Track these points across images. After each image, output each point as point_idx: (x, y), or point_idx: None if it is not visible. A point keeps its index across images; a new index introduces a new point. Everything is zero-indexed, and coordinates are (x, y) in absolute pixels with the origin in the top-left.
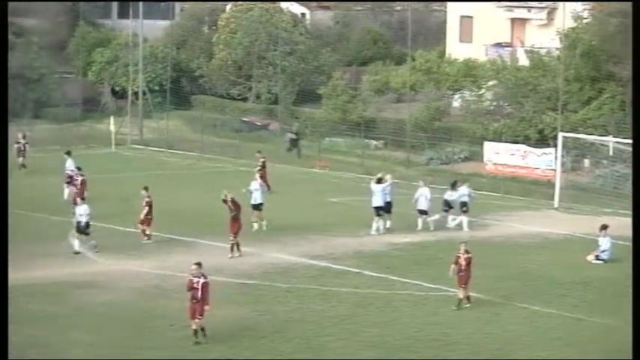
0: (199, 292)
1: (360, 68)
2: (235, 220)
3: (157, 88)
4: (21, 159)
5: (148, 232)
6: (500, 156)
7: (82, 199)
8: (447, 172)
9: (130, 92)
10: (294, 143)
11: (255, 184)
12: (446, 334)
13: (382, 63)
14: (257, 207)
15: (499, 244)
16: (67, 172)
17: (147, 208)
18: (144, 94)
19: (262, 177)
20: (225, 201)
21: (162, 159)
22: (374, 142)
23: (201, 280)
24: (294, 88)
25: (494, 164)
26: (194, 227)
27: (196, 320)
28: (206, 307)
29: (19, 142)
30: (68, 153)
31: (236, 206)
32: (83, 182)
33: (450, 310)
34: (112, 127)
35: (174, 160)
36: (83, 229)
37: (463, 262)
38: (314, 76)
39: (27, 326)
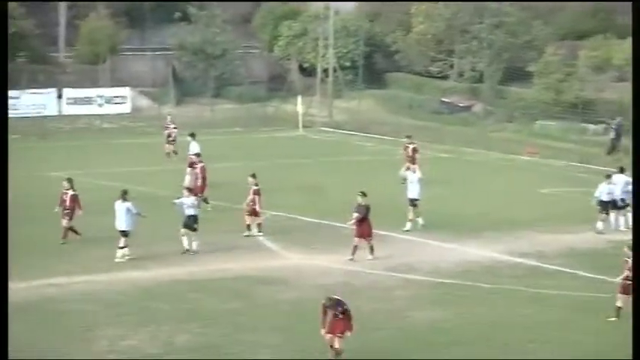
0: (342, 324)
1: (576, 42)
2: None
3: (348, 64)
4: (170, 146)
5: (255, 223)
6: None
7: (190, 189)
8: None
9: (319, 69)
10: (615, 142)
11: (413, 175)
12: None
13: (603, 36)
14: (413, 202)
15: None
16: (190, 156)
17: (255, 197)
18: (334, 71)
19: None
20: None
21: (354, 143)
22: (592, 127)
23: (339, 309)
24: (500, 65)
25: None
26: (389, 220)
27: (336, 338)
28: (347, 333)
29: (167, 127)
30: (192, 135)
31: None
32: (203, 170)
33: None
34: (300, 108)
35: (368, 145)
36: (190, 224)
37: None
38: (523, 51)
39: (199, 325)
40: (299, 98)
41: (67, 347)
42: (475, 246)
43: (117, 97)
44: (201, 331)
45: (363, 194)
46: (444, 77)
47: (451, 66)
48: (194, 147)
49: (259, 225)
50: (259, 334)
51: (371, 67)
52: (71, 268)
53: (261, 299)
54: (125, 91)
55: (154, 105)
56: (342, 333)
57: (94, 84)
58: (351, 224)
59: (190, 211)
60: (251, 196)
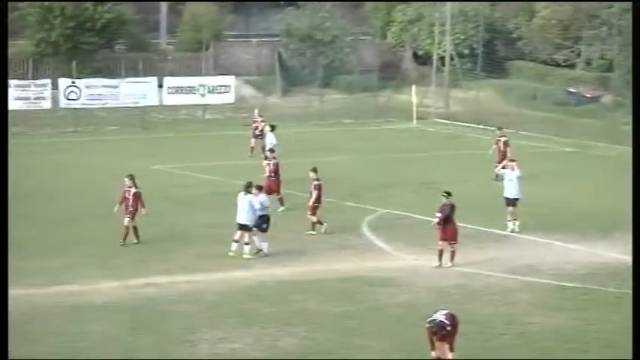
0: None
1: None
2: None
3: (466, 52)
4: (257, 140)
5: (316, 221)
6: None
7: (260, 187)
8: None
9: (434, 57)
10: None
11: (511, 173)
12: None
13: None
14: (511, 202)
15: None
16: (267, 149)
17: (316, 192)
18: (451, 59)
19: (502, 160)
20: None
21: (471, 136)
22: None
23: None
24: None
25: None
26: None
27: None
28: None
29: (255, 121)
30: (272, 127)
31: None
32: (275, 167)
33: None
34: (414, 98)
35: (486, 138)
36: (259, 224)
37: None
38: None
39: (304, 328)
40: (413, 88)
41: (165, 350)
42: (602, 247)
43: (220, 86)
44: (307, 334)
45: (448, 194)
46: (571, 66)
47: (578, 54)
48: (270, 140)
49: (316, 224)
50: (368, 339)
51: (491, 55)
52: (170, 267)
53: (370, 302)
54: (229, 79)
55: (259, 95)
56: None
57: (197, 72)
58: (434, 225)
59: (260, 211)
60: (314, 193)
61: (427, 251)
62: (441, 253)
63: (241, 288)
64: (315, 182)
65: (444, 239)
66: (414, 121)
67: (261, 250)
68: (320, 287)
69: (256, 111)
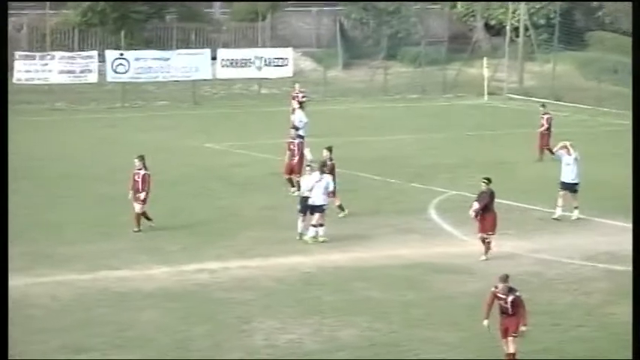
0: (509, 309)
1: None
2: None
3: (542, 22)
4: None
5: (338, 205)
6: None
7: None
8: None
9: (508, 27)
10: None
11: (567, 157)
12: None
13: None
14: (569, 187)
15: None
16: (295, 125)
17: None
18: (526, 29)
19: (543, 144)
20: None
21: None
22: None
23: (510, 298)
24: None
25: None
26: (591, 202)
27: (509, 338)
28: (522, 328)
29: (295, 97)
30: (301, 104)
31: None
32: (300, 147)
33: None
34: (485, 72)
35: (562, 115)
36: (301, 208)
37: None
38: None
39: (366, 318)
40: (484, 61)
41: (218, 341)
42: None
43: (277, 58)
44: (369, 325)
45: (488, 181)
46: None
47: None
48: (300, 118)
49: (340, 206)
50: (434, 331)
51: (569, 26)
52: (224, 252)
53: (437, 290)
54: (287, 52)
55: (319, 68)
56: (516, 331)
57: (252, 44)
58: (472, 215)
59: (306, 193)
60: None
61: (499, 236)
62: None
63: (299, 274)
64: (329, 162)
65: (482, 230)
66: (485, 97)
67: (303, 235)
68: (383, 274)
69: (297, 85)
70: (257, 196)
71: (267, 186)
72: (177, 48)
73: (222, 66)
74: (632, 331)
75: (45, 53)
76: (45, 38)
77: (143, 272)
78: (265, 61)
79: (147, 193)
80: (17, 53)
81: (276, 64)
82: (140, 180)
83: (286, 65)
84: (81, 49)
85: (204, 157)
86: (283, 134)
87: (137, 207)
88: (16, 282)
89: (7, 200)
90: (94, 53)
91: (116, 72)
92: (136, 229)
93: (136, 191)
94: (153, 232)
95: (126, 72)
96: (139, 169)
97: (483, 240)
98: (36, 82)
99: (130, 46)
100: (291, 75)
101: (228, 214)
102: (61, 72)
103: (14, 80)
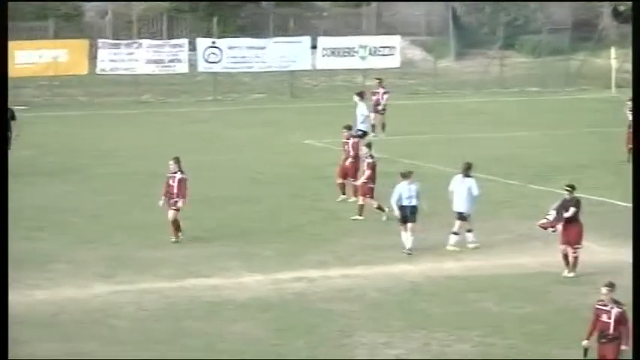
0: (611, 327)
1: None
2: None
3: None
4: (379, 116)
5: (377, 206)
6: None
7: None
8: None
9: None
10: None
11: None
12: None
13: None
14: None
15: None
16: (361, 118)
17: (369, 171)
18: None
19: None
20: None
21: None
22: None
23: (615, 311)
24: None
25: None
26: None
27: None
28: (623, 347)
29: (375, 93)
30: (360, 95)
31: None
32: (355, 147)
33: None
34: (613, 63)
35: None
36: (402, 216)
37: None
38: None
39: (480, 332)
40: (612, 50)
41: (317, 355)
42: None
43: (384, 47)
44: (482, 339)
45: (572, 188)
46: None
47: None
48: (361, 111)
49: (361, 207)
50: (556, 347)
51: None
52: (324, 259)
53: (559, 303)
54: (394, 40)
55: (429, 58)
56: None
57: (356, 31)
58: (548, 226)
59: (407, 200)
60: (366, 172)
61: (629, 243)
62: (566, 259)
63: (407, 284)
64: (369, 160)
65: (566, 242)
66: (613, 89)
67: (410, 250)
68: (499, 284)
69: (376, 81)
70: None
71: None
72: (274, 36)
73: (323, 55)
74: (632, 331)
75: (131, 41)
76: (131, 25)
77: (235, 280)
78: (370, 50)
79: (183, 200)
80: (101, 41)
81: (382, 53)
82: (176, 185)
83: (393, 55)
84: (170, 37)
85: (303, 155)
86: (389, 130)
87: (171, 214)
88: (98, 289)
89: (7, 200)
90: (184, 41)
91: (208, 62)
92: (174, 240)
93: (171, 197)
94: (248, 236)
95: (218, 62)
96: (174, 173)
97: (566, 255)
98: (121, 72)
99: (223, 34)
100: (398, 65)
101: (328, 217)
102: (148, 62)
103: (98, 71)
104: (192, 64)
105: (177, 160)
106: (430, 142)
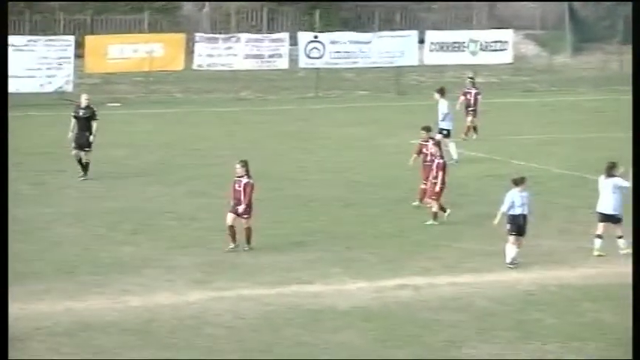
0: None
1: None
2: None
3: None
4: (470, 118)
5: (435, 209)
6: None
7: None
8: None
9: None
10: None
11: None
12: None
13: None
14: None
15: None
16: (441, 116)
17: (441, 173)
18: None
19: None
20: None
21: None
22: None
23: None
24: None
25: None
26: None
27: None
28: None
29: (467, 93)
30: (440, 92)
31: None
32: (437, 147)
33: None
34: None
35: None
36: (512, 227)
37: None
38: None
39: (597, 345)
40: None
41: None
42: None
43: (495, 42)
44: (599, 353)
45: None
46: None
47: None
48: (442, 109)
49: (435, 214)
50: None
51: None
52: (430, 266)
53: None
54: (506, 34)
55: (544, 53)
56: None
57: (467, 25)
58: None
59: (520, 208)
60: (434, 172)
61: None
62: None
63: (519, 293)
64: (439, 161)
65: None
66: None
67: (513, 264)
68: (616, 294)
69: (468, 79)
70: (470, 201)
71: (480, 190)
72: (380, 30)
73: (431, 50)
74: (633, 331)
75: (229, 35)
76: (229, 18)
77: (337, 287)
78: (481, 44)
79: (248, 205)
80: (198, 35)
81: (493, 48)
82: (242, 189)
83: (505, 50)
84: (270, 31)
85: (409, 157)
86: (501, 130)
87: (229, 218)
88: (193, 296)
89: (7, 200)
90: (285, 35)
91: (309, 57)
92: (232, 246)
93: (237, 202)
94: (351, 241)
95: (320, 57)
96: (241, 177)
97: None
98: (219, 68)
99: (326, 28)
100: (511, 61)
101: (440, 222)
102: (247, 56)
103: (194, 66)
104: (293, 60)
105: (244, 164)
106: (546, 143)
